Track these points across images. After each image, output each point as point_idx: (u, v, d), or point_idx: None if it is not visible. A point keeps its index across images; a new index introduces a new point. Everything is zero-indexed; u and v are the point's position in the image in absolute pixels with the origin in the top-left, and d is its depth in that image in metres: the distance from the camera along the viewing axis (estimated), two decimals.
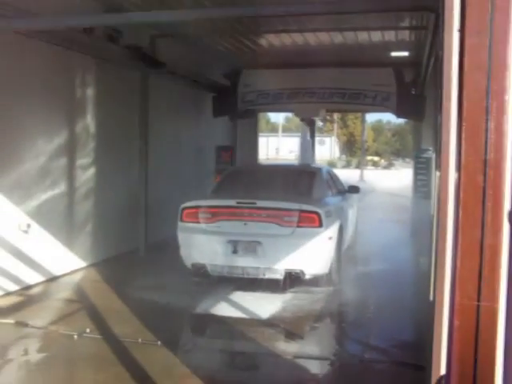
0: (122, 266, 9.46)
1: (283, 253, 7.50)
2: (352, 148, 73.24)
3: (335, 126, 72.73)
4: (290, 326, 6.54)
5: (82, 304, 7.20)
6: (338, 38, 11.88)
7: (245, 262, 7.60)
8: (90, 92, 9.38)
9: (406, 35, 11.69)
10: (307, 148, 20.51)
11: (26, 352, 5.69)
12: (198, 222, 7.87)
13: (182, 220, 7.98)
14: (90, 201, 9.39)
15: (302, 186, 8.64)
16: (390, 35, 11.73)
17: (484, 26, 2.22)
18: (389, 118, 75.13)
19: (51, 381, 5.02)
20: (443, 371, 2.52)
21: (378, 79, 12.86)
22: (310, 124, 17.07)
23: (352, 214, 10.24)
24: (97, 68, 9.34)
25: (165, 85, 11.30)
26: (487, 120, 2.20)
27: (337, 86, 13.21)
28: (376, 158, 60.79)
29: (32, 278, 7.84)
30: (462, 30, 2.29)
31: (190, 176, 12.79)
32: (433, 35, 7.80)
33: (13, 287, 7.47)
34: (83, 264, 9.12)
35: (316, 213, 7.58)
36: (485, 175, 2.20)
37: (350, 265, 9.22)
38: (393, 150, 74.03)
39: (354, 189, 10.30)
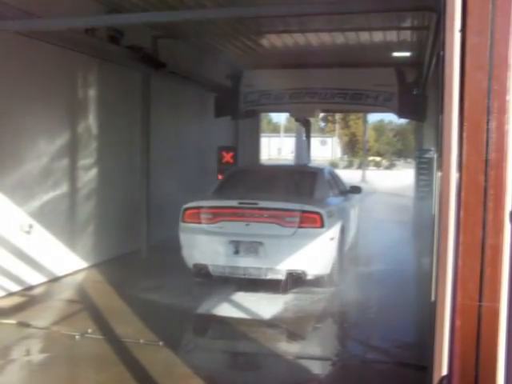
0: (123, 267, 9.47)
1: (285, 253, 7.49)
2: (354, 148, 73.21)
3: (337, 126, 72.74)
4: (291, 327, 6.54)
5: (84, 304, 7.20)
6: (339, 38, 11.89)
7: (246, 263, 7.59)
8: (92, 92, 9.39)
9: (407, 35, 11.70)
10: (302, 148, 20.52)
11: (28, 352, 5.70)
12: (200, 223, 7.87)
13: (183, 220, 7.98)
14: (91, 201, 9.40)
15: (303, 187, 8.63)
16: (391, 35, 11.74)
17: (485, 26, 2.22)
18: (390, 118, 75.01)
19: (53, 381, 5.02)
20: (445, 371, 2.51)
21: (380, 79, 12.86)
22: (306, 124, 17.06)
23: (354, 214, 10.23)
24: (98, 68, 9.36)
25: (166, 85, 11.31)
26: (488, 120, 2.20)
27: (338, 86, 13.20)
28: (378, 159, 60.73)
29: (34, 278, 7.85)
30: (463, 30, 2.29)
31: (192, 176, 12.79)
32: (434, 35, 7.80)
33: (15, 288, 7.48)
34: (85, 264, 9.13)
35: (318, 213, 7.58)
36: (486, 175, 2.20)
37: (351, 265, 9.22)
38: (394, 150, 73.95)
39: (355, 189, 10.29)
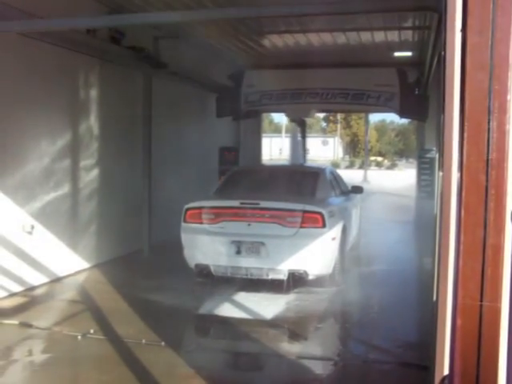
0: (125, 267, 9.47)
1: (286, 253, 7.50)
2: (355, 148, 73.26)
3: (338, 126, 72.74)
4: (293, 327, 6.55)
5: (86, 305, 7.21)
6: (341, 38, 11.89)
7: (248, 263, 7.60)
8: (94, 93, 9.40)
9: (409, 35, 11.70)
10: (297, 148, 20.50)
11: (30, 353, 5.71)
12: (202, 223, 7.87)
13: (185, 221, 7.98)
14: (93, 202, 9.41)
15: (305, 187, 8.64)
16: (393, 35, 11.73)
17: (486, 25, 2.21)
18: (392, 118, 75.08)
19: (55, 382, 5.03)
20: (446, 371, 2.51)
21: (382, 79, 12.87)
22: (301, 124, 17.06)
23: (355, 214, 10.24)
24: (100, 69, 9.37)
25: (168, 86, 11.32)
26: (489, 120, 2.20)
27: (340, 86, 13.21)
28: (379, 159, 60.74)
29: (36, 278, 7.86)
30: (463, 30, 2.28)
31: (194, 177, 12.80)
32: (436, 35, 7.80)
33: (17, 288, 7.49)
34: (87, 265, 9.14)
35: (319, 213, 7.58)
36: (487, 175, 2.20)
37: (353, 265, 9.22)
38: (396, 150, 73.96)
39: (357, 189, 10.30)
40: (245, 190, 8.45)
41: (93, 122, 9.35)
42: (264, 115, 19.79)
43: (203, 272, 7.90)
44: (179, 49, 11.37)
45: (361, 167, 44.69)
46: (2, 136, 7.22)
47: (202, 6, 8.64)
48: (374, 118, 72.90)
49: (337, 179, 9.92)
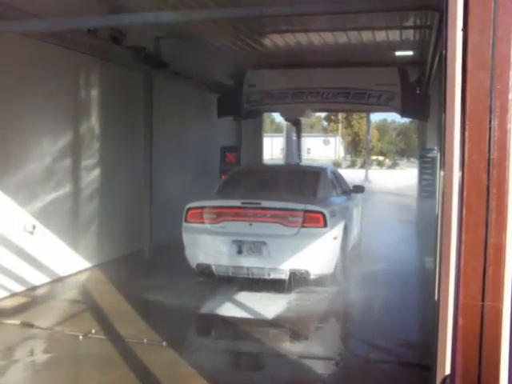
0: (127, 267, 9.47)
1: (288, 253, 7.49)
2: (357, 148, 73.27)
3: (340, 125, 72.74)
4: (294, 326, 6.54)
5: (88, 305, 7.21)
6: (342, 37, 11.87)
7: (250, 263, 7.60)
8: (95, 93, 9.41)
9: (410, 34, 11.68)
10: (292, 147, 20.45)
11: (31, 353, 5.71)
12: (203, 223, 7.87)
13: (186, 220, 7.98)
14: (94, 201, 9.41)
15: (306, 186, 8.64)
16: (394, 35, 11.71)
17: (487, 24, 2.21)
18: (393, 117, 75.11)
19: (57, 381, 5.03)
20: (448, 371, 2.51)
21: (383, 79, 12.85)
22: (296, 124, 17.05)
23: (357, 213, 10.23)
24: (101, 69, 9.37)
25: (169, 85, 11.32)
26: (491, 119, 2.19)
27: (341, 85, 13.20)
28: (381, 158, 60.74)
29: (37, 278, 7.86)
30: (465, 29, 2.28)
31: (195, 176, 12.80)
32: (437, 34, 7.79)
33: (18, 288, 7.49)
34: (88, 265, 9.14)
35: (321, 213, 7.58)
36: (488, 174, 2.19)
37: (354, 265, 9.21)
38: (397, 149, 73.99)
39: (358, 188, 10.29)
40: (246, 190, 8.44)
41: (94, 121, 9.35)
42: (265, 115, 19.76)
43: (205, 272, 7.89)
44: (180, 49, 11.37)
45: (362, 167, 44.71)
46: (4, 135, 7.22)
47: (203, 6, 8.63)
48: (376, 117, 73.10)
49: (338, 179, 9.91)
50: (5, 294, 7.24)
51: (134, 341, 5.75)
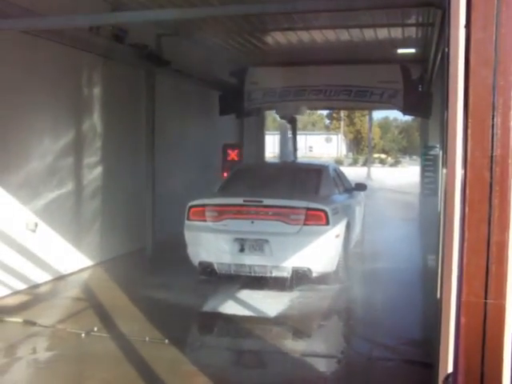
0: (129, 265, 9.48)
1: (290, 251, 7.49)
2: (359, 145, 73.16)
3: (342, 123, 72.66)
4: (297, 324, 6.54)
5: (90, 302, 7.22)
6: (344, 35, 11.86)
7: (252, 260, 7.59)
8: (97, 91, 9.40)
9: (412, 32, 11.66)
10: (287, 145, 20.35)
11: (34, 350, 5.71)
12: (205, 221, 7.87)
13: (188, 218, 7.98)
14: (97, 199, 9.41)
15: (308, 184, 8.62)
16: (396, 32, 11.70)
17: (490, 20, 2.20)
18: (396, 115, 75.03)
19: (59, 379, 5.03)
20: (450, 369, 2.50)
21: (385, 76, 12.83)
22: (291, 121, 17.01)
23: (359, 211, 10.22)
24: (103, 67, 9.36)
25: (171, 83, 11.31)
26: (494, 116, 2.18)
27: (343, 83, 13.19)
28: (383, 156, 60.63)
29: (40, 276, 7.87)
30: (467, 26, 2.27)
31: (197, 174, 12.80)
32: (439, 32, 7.77)
33: (21, 286, 7.50)
34: (90, 263, 9.14)
35: (323, 210, 7.57)
36: (491, 171, 2.18)
37: (357, 262, 9.21)
38: (400, 147, 73.89)
39: (360, 186, 10.28)
40: (248, 188, 8.45)
41: (96, 119, 9.35)
42: (267, 112, 19.74)
43: (207, 270, 7.89)
44: (182, 46, 11.36)
45: (364, 164, 44.65)
46: (5, 133, 7.22)
47: (205, 3, 8.63)
48: (378, 115, 72.81)
49: (340, 176, 9.90)
50: (7, 291, 7.25)
51: (136, 338, 5.75)
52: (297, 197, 7.92)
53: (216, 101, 13.64)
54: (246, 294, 7.59)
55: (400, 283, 8.27)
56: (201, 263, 7.89)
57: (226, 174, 11.10)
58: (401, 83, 12.70)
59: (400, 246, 10.81)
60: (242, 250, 7.58)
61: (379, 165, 51.56)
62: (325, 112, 72.10)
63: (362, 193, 10.76)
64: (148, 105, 10.20)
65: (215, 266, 7.78)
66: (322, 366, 5.48)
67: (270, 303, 7.24)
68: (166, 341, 5.67)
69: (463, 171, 2.28)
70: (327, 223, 7.55)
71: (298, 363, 5.41)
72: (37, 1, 7.05)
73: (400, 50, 13.22)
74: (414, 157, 50.47)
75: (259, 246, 7.56)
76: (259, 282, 7.74)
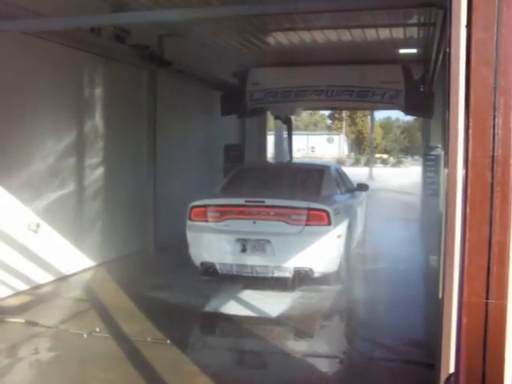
0: (131, 265, 9.49)
1: (292, 251, 7.49)
2: (361, 146, 73.14)
3: (344, 123, 72.64)
4: (299, 325, 6.54)
5: (92, 303, 7.22)
6: (345, 35, 11.86)
7: (253, 261, 7.60)
8: (98, 91, 9.41)
9: (414, 32, 11.66)
10: (282, 145, 20.33)
11: (36, 351, 5.72)
12: (207, 221, 7.87)
13: (190, 219, 7.98)
14: (98, 200, 9.42)
15: (310, 184, 8.62)
16: (398, 32, 11.70)
17: (491, 20, 2.19)
18: (397, 115, 75.15)
19: (61, 379, 5.04)
20: (452, 369, 2.50)
21: (387, 76, 12.80)
22: (287, 122, 16.98)
23: (361, 211, 10.22)
24: (105, 67, 9.36)
25: (173, 84, 11.32)
26: (495, 116, 2.18)
27: (345, 83, 13.16)
28: (385, 156, 60.59)
29: (41, 277, 7.88)
30: (468, 26, 2.27)
31: (199, 175, 12.81)
32: (441, 32, 7.76)
33: (23, 286, 7.50)
34: (92, 263, 9.15)
35: (324, 211, 7.57)
36: (492, 172, 2.18)
37: (358, 263, 9.21)
38: (402, 147, 73.83)
39: (362, 186, 10.28)
40: (250, 188, 8.45)
41: (97, 120, 9.36)
42: (269, 113, 19.74)
43: (209, 270, 7.89)
44: (184, 47, 11.36)
45: (366, 164, 44.62)
46: (7, 134, 7.23)
47: (207, 4, 8.63)
48: (380, 115, 72.86)
49: (342, 177, 9.90)
50: (9, 292, 7.26)
51: (138, 339, 5.76)
52: (299, 197, 7.92)
53: (218, 101, 13.63)
54: (247, 295, 7.60)
55: (402, 284, 8.27)
56: (203, 264, 7.89)
57: (227, 175, 11.10)
58: (402, 83, 12.67)
59: (402, 247, 10.81)
60: (243, 250, 7.59)
61: (381, 165, 51.54)
62: (327, 112, 72.15)
63: (364, 193, 10.76)
64: (150, 105, 10.22)
65: (217, 267, 7.79)
66: (324, 366, 5.48)
67: (271, 303, 7.24)
68: (168, 341, 5.67)
69: (464, 171, 2.27)
70: (329, 223, 7.55)
71: (300, 364, 5.41)
72: (38, 2, 7.05)
73: (402, 50, 13.22)
74: (416, 157, 50.45)
75: (261, 246, 7.56)
76: (261, 282, 7.74)
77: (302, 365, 5.40)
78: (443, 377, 2.65)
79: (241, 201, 7.89)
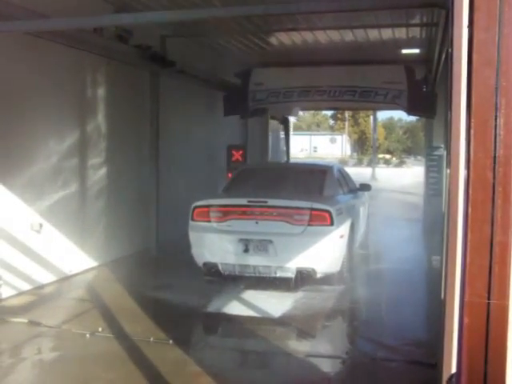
0: (133, 266, 9.50)
1: (294, 251, 7.48)
2: (363, 146, 73.12)
3: (346, 124, 72.63)
4: (301, 325, 6.54)
5: (94, 303, 7.23)
6: (348, 35, 11.85)
7: (256, 261, 7.59)
8: (101, 92, 9.42)
9: (416, 32, 11.65)
10: (279, 146, 20.29)
11: (39, 351, 5.73)
12: (210, 221, 7.87)
13: (193, 219, 7.98)
14: (101, 200, 9.43)
15: (312, 185, 8.62)
16: (400, 32, 11.69)
17: (493, 21, 2.20)
18: (400, 115, 75.02)
19: (64, 379, 5.05)
20: (454, 369, 2.51)
21: (389, 77, 12.79)
22: (284, 122, 16.93)
23: (363, 211, 10.21)
24: (107, 68, 9.38)
25: (175, 84, 11.32)
26: (496, 116, 2.18)
27: (348, 83, 13.15)
28: (387, 156, 60.56)
29: (44, 277, 7.89)
30: (470, 26, 2.27)
31: (201, 175, 12.81)
32: (443, 32, 7.76)
33: (26, 286, 7.52)
34: (95, 263, 9.16)
35: (327, 211, 7.57)
36: (494, 172, 2.18)
37: (361, 263, 9.20)
38: (404, 147, 73.78)
39: (365, 187, 10.27)
40: (252, 188, 8.44)
41: (100, 120, 9.37)
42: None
43: (211, 270, 7.89)
44: (186, 47, 11.37)
45: (369, 165, 44.61)
46: (10, 134, 7.24)
47: (209, 4, 8.64)
48: (382, 115, 72.83)
49: (344, 177, 9.89)
50: (12, 292, 7.27)
51: (140, 339, 5.77)
52: (301, 197, 7.91)
53: (220, 101, 13.64)
54: (250, 295, 7.60)
55: (404, 284, 8.26)
56: (205, 264, 7.89)
57: (230, 175, 11.10)
58: (405, 83, 12.66)
59: (404, 247, 10.80)
60: (246, 250, 7.58)
61: (384, 165, 51.52)
62: (329, 112, 72.19)
63: (367, 193, 10.75)
64: (152, 105, 10.22)
65: (220, 267, 7.78)
66: (327, 366, 5.48)
67: (274, 304, 7.24)
68: (171, 341, 5.68)
69: (466, 172, 2.28)
70: (331, 224, 7.54)
71: (303, 364, 5.41)
72: (40, 2, 7.06)
73: (404, 51, 13.21)
74: (419, 157, 50.42)
75: (263, 246, 7.56)
76: (263, 282, 7.73)
77: (305, 365, 5.40)
78: (445, 377, 2.65)
79: (243, 201, 7.89)
